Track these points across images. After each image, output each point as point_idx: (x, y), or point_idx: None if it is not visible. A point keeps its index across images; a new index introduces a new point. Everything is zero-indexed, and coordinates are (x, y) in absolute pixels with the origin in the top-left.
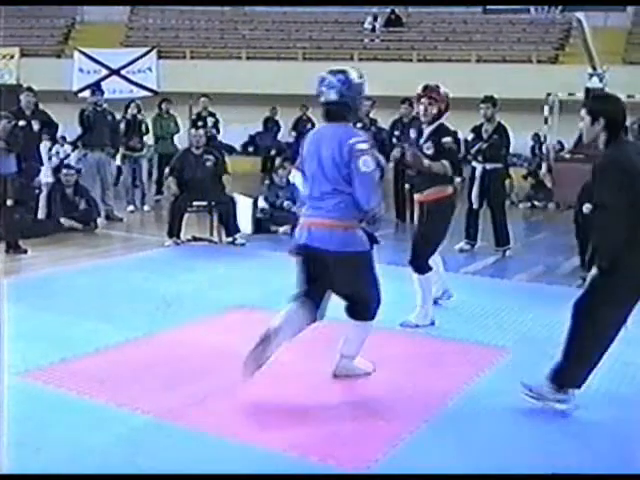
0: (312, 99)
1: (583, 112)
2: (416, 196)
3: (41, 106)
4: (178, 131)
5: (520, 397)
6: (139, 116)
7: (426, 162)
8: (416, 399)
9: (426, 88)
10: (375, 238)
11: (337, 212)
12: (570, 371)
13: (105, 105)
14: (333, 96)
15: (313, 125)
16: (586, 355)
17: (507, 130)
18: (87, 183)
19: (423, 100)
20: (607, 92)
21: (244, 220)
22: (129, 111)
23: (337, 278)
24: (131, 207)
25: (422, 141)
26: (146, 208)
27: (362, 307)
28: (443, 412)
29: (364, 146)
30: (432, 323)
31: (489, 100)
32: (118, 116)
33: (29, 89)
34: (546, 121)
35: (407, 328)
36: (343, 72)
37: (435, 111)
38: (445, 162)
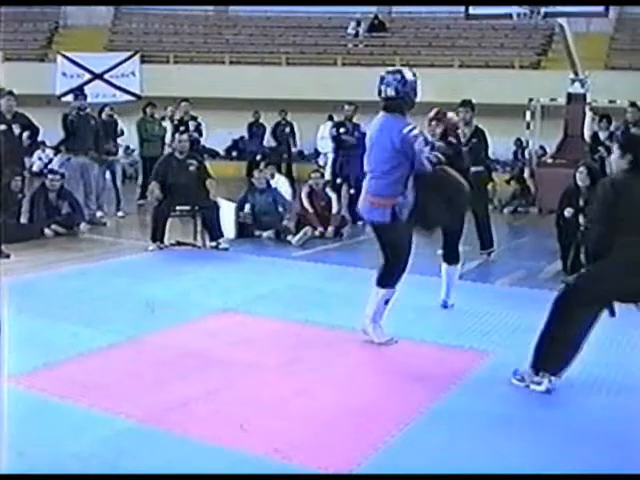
0: (295, 104)
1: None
2: None
3: (22, 110)
4: (165, 134)
5: (499, 399)
6: (114, 119)
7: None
8: (397, 403)
9: (437, 113)
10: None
11: (378, 191)
12: (544, 356)
13: (88, 110)
14: (391, 92)
15: (292, 129)
16: (560, 342)
17: (485, 133)
18: (71, 187)
19: (432, 123)
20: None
21: (227, 225)
22: (103, 115)
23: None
24: (100, 213)
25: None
26: (120, 214)
27: (379, 273)
28: (424, 415)
29: (415, 131)
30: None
31: (467, 104)
32: None
33: (10, 93)
34: (528, 126)
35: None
36: (399, 71)
37: (438, 131)
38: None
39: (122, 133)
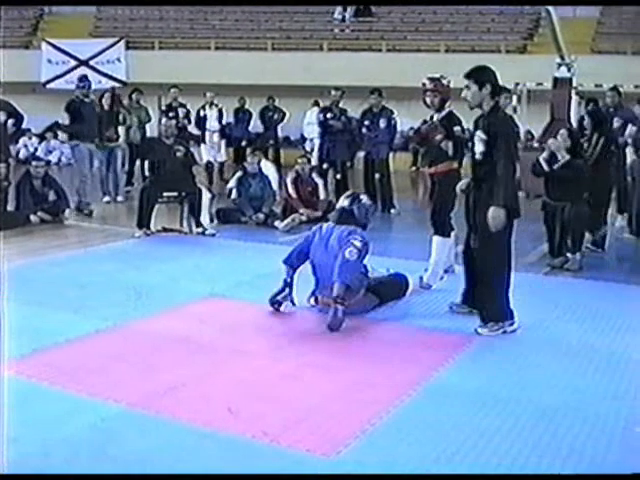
0: (281, 89)
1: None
2: (428, 170)
3: (7, 98)
4: (150, 120)
5: (487, 380)
6: (115, 107)
7: (439, 136)
8: (385, 385)
9: (430, 80)
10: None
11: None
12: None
13: (92, 97)
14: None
15: (282, 114)
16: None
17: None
18: (84, 173)
19: (428, 94)
20: None
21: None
22: (103, 101)
23: None
24: (107, 198)
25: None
26: (120, 198)
27: None
28: (412, 397)
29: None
30: (441, 278)
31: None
32: None
33: None
34: (515, 110)
35: (423, 288)
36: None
37: (438, 100)
38: (449, 143)
39: (124, 120)
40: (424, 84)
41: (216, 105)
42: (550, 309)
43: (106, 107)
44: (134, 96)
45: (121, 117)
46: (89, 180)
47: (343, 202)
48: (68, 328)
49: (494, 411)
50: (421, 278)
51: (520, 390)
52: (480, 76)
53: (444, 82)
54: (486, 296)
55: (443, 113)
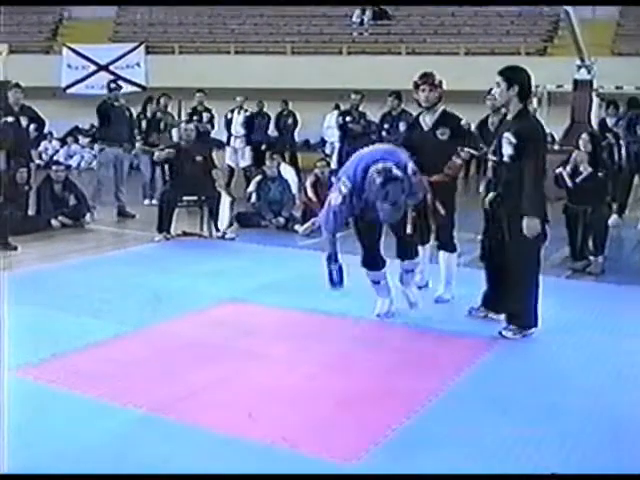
0: (300, 93)
1: None
2: (428, 179)
3: (28, 102)
4: (176, 125)
5: (508, 386)
6: (159, 114)
7: (459, 162)
8: (405, 391)
9: (424, 76)
10: None
11: None
12: None
13: (122, 101)
14: None
15: (295, 120)
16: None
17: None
18: (99, 178)
19: (424, 87)
20: None
21: (223, 216)
22: (149, 108)
23: None
24: (147, 201)
25: (428, 128)
26: (155, 202)
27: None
28: (433, 403)
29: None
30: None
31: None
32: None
33: (17, 85)
34: (535, 113)
35: (441, 302)
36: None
37: (436, 96)
38: (467, 149)
39: (166, 127)
40: (416, 82)
41: (245, 110)
42: (572, 313)
43: (148, 113)
44: (162, 100)
45: (162, 124)
46: (104, 186)
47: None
48: (88, 333)
49: (516, 417)
50: (437, 300)
51: (543, 395)
52: (511, 75)
53: (437, 79)
54: (516, 301)
55: (438, 112)
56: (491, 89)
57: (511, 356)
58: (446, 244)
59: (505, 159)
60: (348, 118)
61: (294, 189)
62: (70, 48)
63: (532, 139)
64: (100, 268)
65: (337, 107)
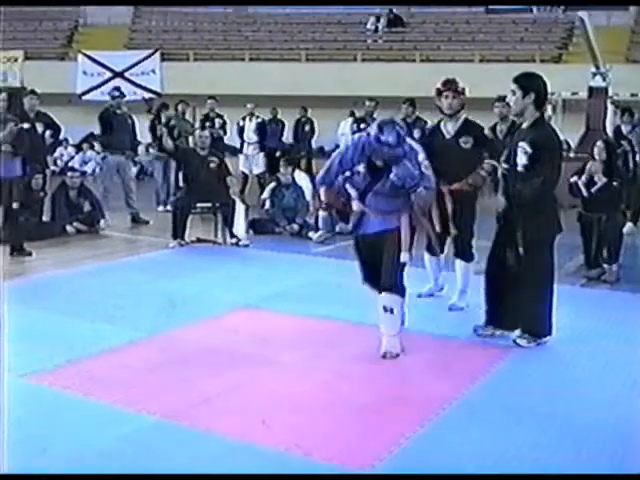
0: (314, 100)
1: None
2: (449, 187)
3: (43, 109)
4: (193, 132)
5: (523, 394)
6: (173, 120)
7: (483, 174)
8: (419, 399)
9: (447, 82)
10: None
11: None
12: None
13: (125, 108)
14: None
15: (312, 127)
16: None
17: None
18: (104, 185)
19: (447, 93)
20: None
21: (238, 224)
22: (163, 115)
23: None
24: (161, 207)
25: (450, 136)
26: (169, 208)
27: None
28: (447, 411)
29: None
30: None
31: (504, 99)
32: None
33: (32, 92)
34: (550, 120)
35: (455, 310)
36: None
37: (459, 103)
38: (490, 161)
39: (180, 134)
40: (439, 89)
41: (256, 117)
42: (587, 321)
43: (163, 120)
44: (180, 107)
45: (175, 131)
46: (110, 193)
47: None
48: (102, 339)
49: (531, 426)
50: (451, 307)
51: (557, 404)
52: (526, 82)
53: (460, 85)
54: (531, 310)
55: (461, 120)
56: (500, 97)
57: (526, 364)
58: (464, 253)
59: (519, 169)
60: (363, 125)
61: (308, 196)
62: (86, 55)
63: (548, 148)
64: (114, 274)
65: (352, 114)
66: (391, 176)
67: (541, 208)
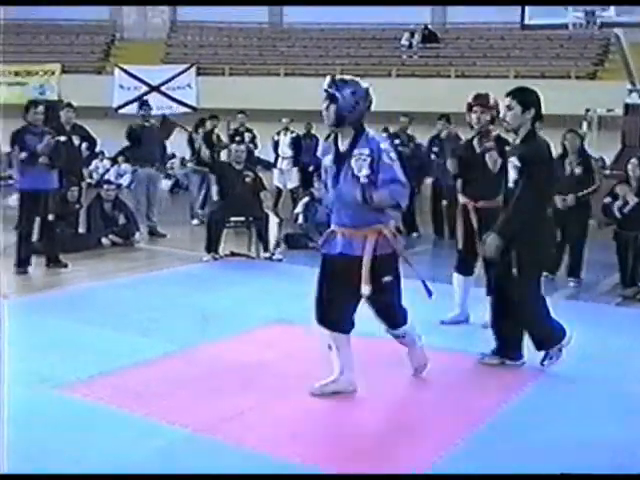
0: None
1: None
2: (478, 204)
3: (80, 122)
4: (225, 147)
5: (557, 415)
6: (214, 133)
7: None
8: (454, 416)
9: (477, 97)
10: None
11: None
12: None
13: (153, 121)
14: None
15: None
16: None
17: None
18: (137, 198)
19: (476, 108)
20: None
21: (270, 238)
22: (201, 129)
23: None
24: (195, 221)
25: (479, 152)
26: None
27: None
28: (481, 430)
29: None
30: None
31: None
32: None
33: (69, 105)
34: (586, 137)
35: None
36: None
37: (488, 119)
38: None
39: (221, 147)
40: (469, 103)
41: (291, 131)
42: (622, 340)
43: (203, 133)
44: (208, 123)
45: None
46: (143, 206)
47: None
48: (136, 351)
49: (563, 451)
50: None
51: (591, 428)
52: (526, 98)
53: (491, 100)
54: (533, 330)
55: (492, 136)
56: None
57: (558, 384)
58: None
59: (510, 184)
60: (397, 141)
61: None
62: (122, 69)
63: (537, 162)
64: (149, 287)
65: (386, 130)
66: (352, 162)
67: (535, 226)
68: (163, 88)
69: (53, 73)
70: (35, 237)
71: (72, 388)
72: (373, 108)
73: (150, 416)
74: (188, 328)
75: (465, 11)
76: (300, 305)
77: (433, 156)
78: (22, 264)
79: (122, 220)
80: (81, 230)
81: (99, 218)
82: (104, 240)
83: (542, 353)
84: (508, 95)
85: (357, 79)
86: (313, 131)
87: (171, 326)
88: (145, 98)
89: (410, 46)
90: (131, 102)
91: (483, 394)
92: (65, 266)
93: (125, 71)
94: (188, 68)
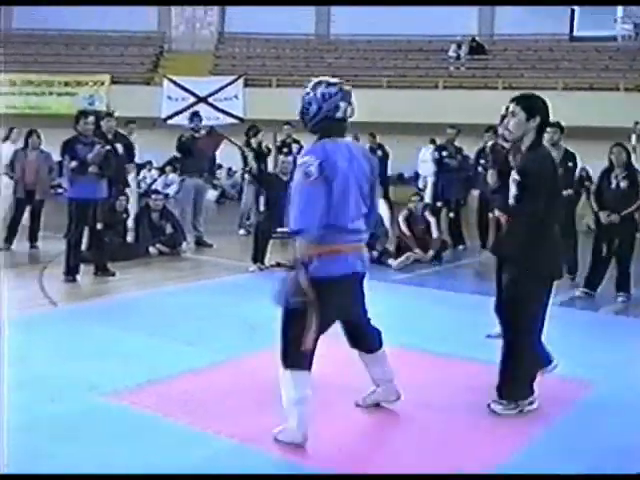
0: (394, 126)
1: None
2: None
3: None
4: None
5: (607, 432)
6: (264, 146)
7: None
8: (498, 434)
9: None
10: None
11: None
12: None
13: (203, 132)
14: (350, 112)
15: (385, 153)
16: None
17: (575, 156)
18: (183, 207)
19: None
20: None
21: None
22: (254, 140)
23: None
24: (242, 231)
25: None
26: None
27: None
28: (529, 446)
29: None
30: None
31: (556, 125)
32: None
33: (108, 114)
34: (634, 150)
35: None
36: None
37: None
38: None
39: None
40: (503, 115)
41: None
42: None
43: (254, 144)
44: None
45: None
46: (189, 215)
47: None
48: (183, 360)
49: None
50: None
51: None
52: (531, 105)
53: None
54: (506, 370)
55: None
56: (554, 122)
57: (609, 400)
58: None
59: (510, 201)
60: (444, 153)
61: (387, 223)
62: (170, 80)
63: (536, 174)
64: (195, 296)
65: (433, 141)
66: None
67: (535, 247)
68: (210, 99)
69: (102, 84)
70: (84, 246)
71: (120, 396)
72: (420, 119)
73: (195, 425)
74: (234, 338)
75: (512, 22)
76: None
77: (480, 168)
78: (71, 272)
79: (169, 230)
80: (129, 239)
81: (147, 227)
82: (151, 249)
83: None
84: (512, 101)
85: (337, 82)
86: (360, 142)
87: (217, 335)
88: (196, 110)
89: (457, 57)
90: (179, 113)
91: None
92: (113, 274)
93: (173, 82)
94: (236, 79)
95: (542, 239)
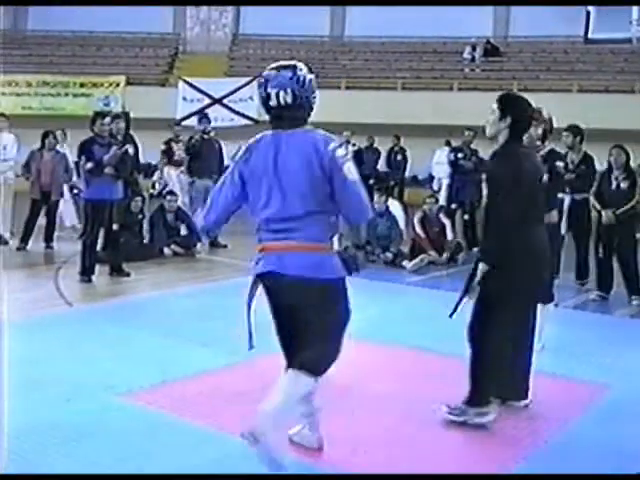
0: (409, 128)
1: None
2: None
3: (144, 133)
4: None
5: (622, 435)
6: None
7: (554, 216)
8: (512, 436)
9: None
10: (355, 264)
11: (317, 234)
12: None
13: (212, 133)
14: (289, 98)
15: (405, 156)
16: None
17: (593, 160)
18: (194, 210)
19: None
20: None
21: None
22: None
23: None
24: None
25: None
26: None
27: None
28: (544, 449)
29: (344, 151)
30: None
31: (569, 129)
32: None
33: (116, 116)
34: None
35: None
36: (292, 67)
37: (539, 133)
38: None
39: None
40: None
41: (352, 144)
42: None
43: None
44: None
45: None
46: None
47: None
48: (197, 360)
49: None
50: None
51: None
52: (506, 104)
53: (544, 114)
54: (473, 375)
55: (544, 151)
56: (570, 125)
57: (625, 403)
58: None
59: (483, 203)
60: (460, 155)
61: (402, 225)
62: (186, 81)
63: (496, 178)
64: (210, 297)
65: (448, 143)
66: None
67: (510, 253)
68: (225, 100)
69: (118, 85)
70: (99, 246)
71: (135, 396)
72: (435, 121)
73: (210, 426)
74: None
75: (527, 24)
76: (361, 318)
77: None
78: (86, 272)
79: (184, 231)
80: (145, 240)
81: (162, 228)
82: (166, 250)
83: None
84: (496, 100)
85: (298, 65)
86: (375, 144)
87: (231, 336)
88: (205, 111)
89: (472, 59)
90: (194, 114)
91: (544, 414)
92: (128, 275)
93: (189, 83)
94: (250, 81)
95: (514, 241)
